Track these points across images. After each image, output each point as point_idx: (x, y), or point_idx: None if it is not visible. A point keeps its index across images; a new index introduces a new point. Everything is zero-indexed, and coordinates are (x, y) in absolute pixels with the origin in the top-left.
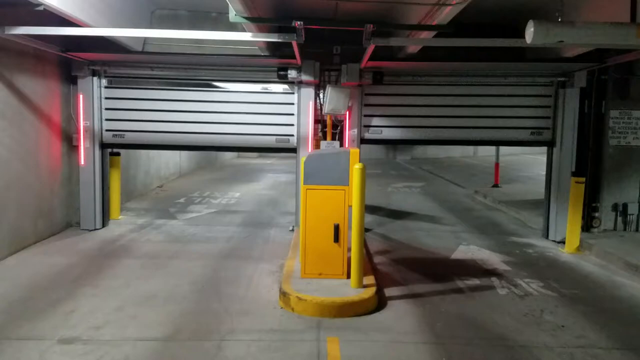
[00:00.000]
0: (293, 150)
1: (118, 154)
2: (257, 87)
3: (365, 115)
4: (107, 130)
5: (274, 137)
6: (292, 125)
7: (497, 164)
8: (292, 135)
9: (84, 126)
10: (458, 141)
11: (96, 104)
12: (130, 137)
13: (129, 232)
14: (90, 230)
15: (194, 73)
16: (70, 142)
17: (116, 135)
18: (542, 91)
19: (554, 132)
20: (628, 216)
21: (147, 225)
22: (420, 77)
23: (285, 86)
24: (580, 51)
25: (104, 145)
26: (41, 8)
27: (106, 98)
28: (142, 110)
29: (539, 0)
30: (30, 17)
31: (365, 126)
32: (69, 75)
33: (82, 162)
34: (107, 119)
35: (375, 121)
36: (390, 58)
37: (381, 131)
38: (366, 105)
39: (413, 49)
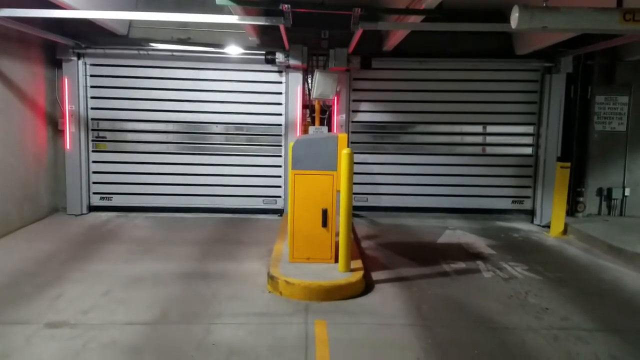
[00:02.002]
0: (280, 211)
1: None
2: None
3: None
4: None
5: (262, 199)
6: (280, 186)
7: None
8: (280, 197)
9: (69, 110)
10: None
11: (82, 88)
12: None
13: (116, 217)
14: (77, 215)
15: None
16: (55, 126)
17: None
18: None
19: (540, 114)
20: (612, 201)
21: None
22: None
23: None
24: (533, 49)
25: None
26: None
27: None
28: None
29: None
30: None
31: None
32: (53, 59)
33: (67, 146)
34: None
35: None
36: (375, 53)
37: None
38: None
39: (392, 43)
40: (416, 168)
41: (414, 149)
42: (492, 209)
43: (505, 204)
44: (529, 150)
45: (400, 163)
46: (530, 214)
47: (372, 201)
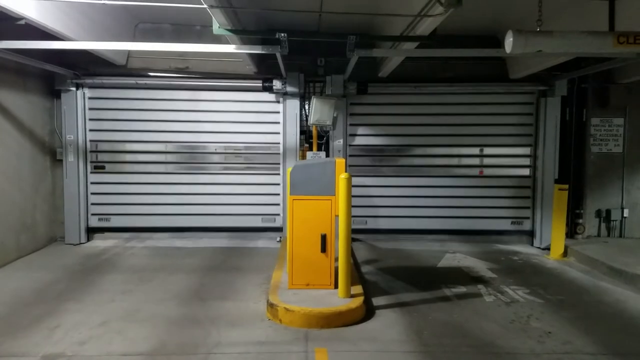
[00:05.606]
0: (279, 229)
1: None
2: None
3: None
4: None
5: (260, 217)
6: (278, 204)
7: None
8: (278, 215)
9: (67, 140)
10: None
11: (80, 118)
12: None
13: (114, 246)
14: (75, 245)
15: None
16: (54, 156)
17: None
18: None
19: (536, 137)
20: (611, 222)
21: (133, 238)
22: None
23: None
24: (527, 73)
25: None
26: (23, 22)
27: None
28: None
29: (520, 11)
30: (13, 31)
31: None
32: (52, 89)
33: (66, 176)
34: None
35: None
36: (372, 79)
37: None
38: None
39: (387, 69)
40: (414, 190)
41: (411, 172)
42: (491, 230)
43: (505, 224)
44: (526, 172)
45: (399, 185)
46: (530, 234)
47: (371, 224)
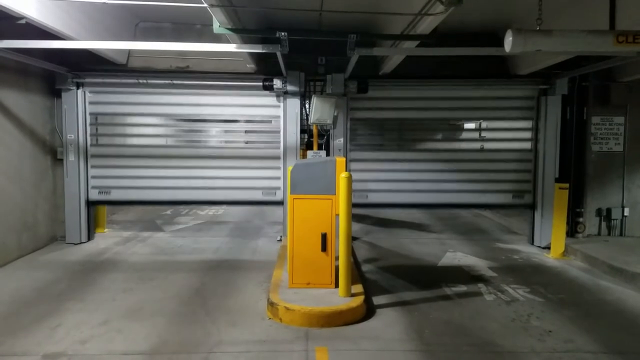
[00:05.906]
0: (280, 203)
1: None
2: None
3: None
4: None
5: (261, 191)
6: (279, 177)
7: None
8: (279, 188)
9: (67, 139)
10: None
11: (80, 117)
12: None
13: (115, 245)
14: (76, 244)
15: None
16: (54, 155)
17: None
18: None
19: (536, 135)
20: (612, 221)
21: (133, 237)
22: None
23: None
24: (528, 71)
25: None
26: (23, 22)
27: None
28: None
29: (521, 10)
30: (14, 31)
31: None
32: (52, 88)
33: (66, 175)
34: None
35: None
36: (372, 77)
37: None
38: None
39: (388, 67)
40: (416, 166)
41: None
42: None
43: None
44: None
45: (399, 160)
46: (531, 207)
47: (373, 198)
